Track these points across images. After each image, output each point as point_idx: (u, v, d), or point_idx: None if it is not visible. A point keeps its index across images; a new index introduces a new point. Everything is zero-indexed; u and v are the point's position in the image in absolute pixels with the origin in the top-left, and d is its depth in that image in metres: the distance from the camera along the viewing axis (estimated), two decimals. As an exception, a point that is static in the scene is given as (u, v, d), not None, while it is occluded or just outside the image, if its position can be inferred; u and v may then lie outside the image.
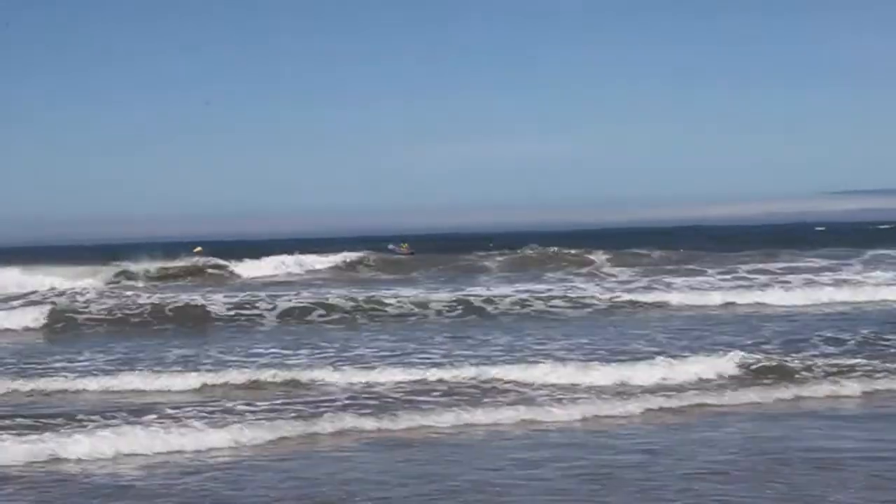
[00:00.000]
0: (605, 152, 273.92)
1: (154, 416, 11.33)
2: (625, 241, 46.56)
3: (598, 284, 27.57)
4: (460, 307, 22.75)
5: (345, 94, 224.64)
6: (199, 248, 76.27)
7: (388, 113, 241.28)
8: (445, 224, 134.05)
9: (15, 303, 24.41)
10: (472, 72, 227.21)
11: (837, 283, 25.82)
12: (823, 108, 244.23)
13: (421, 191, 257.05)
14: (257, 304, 22.95)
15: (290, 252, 41.70)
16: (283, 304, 22.80)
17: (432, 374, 13.97)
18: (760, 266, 31.72)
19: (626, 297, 24.03)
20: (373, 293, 24.40)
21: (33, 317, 22.14)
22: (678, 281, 27.70)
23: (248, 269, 36.93)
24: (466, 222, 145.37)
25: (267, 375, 14.19)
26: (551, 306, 22.86)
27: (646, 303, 23.46)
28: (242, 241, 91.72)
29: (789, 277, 27.76)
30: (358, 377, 13.97)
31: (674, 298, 23.87)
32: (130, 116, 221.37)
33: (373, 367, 14.63)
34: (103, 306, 23.05)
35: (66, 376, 14.65)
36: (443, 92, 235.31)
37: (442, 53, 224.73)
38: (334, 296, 23.79)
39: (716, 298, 23.70)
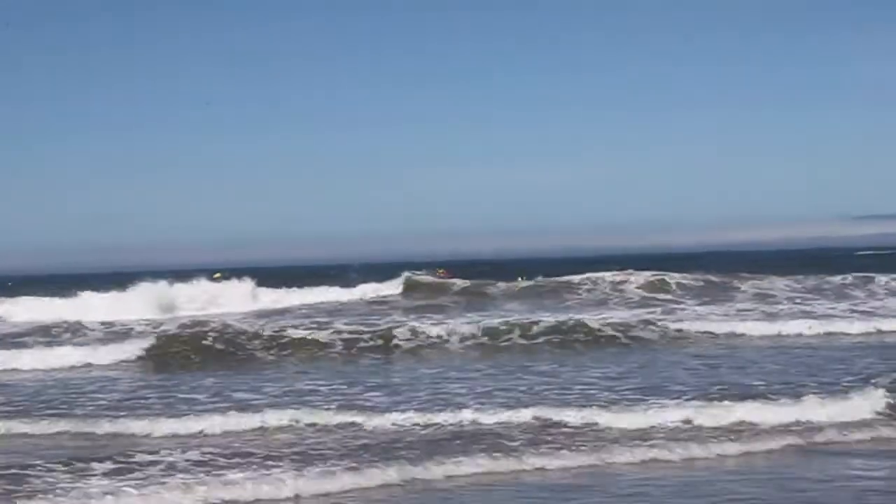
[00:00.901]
0: (617, 177, 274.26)
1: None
2: (645, 265, 46.21)
3: (680, 312, 26.87)
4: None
5: (344, 119, 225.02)
6: (218, 274, 75.78)
7: (389, 137, 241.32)
8: (448, 250, 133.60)
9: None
10: (473, 95, 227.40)
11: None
12: (841, 132, 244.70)
13: (421, 217, 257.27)
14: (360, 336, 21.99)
15: (313, 280, 41.25)
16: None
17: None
18: (802, 290, 31.76)
19: (697, 326, 23.58)
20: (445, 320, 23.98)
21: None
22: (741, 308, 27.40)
23: (303, 296, 36.26)
24: (471, 248, 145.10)
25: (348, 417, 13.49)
26: (621, 334, 22.30)
27: (720, 333, 22.91)
28: (257, 267, 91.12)
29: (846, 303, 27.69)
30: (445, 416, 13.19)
31: (746, 328, 23.32)
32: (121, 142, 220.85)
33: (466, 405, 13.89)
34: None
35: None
36: (442, 116, 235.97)
37: (441, 75, 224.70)
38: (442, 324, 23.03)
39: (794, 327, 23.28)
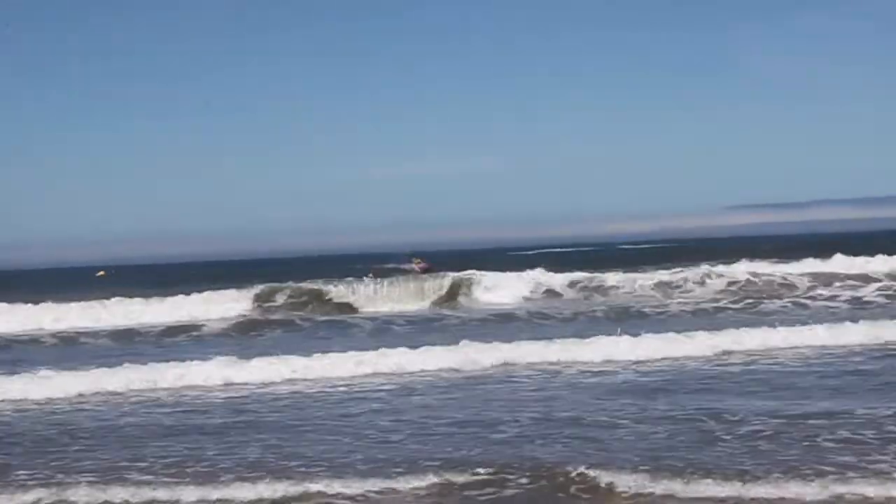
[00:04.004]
0: (511, 170, 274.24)
1: None
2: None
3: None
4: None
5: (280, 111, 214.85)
6: (101, 273, 71.22)
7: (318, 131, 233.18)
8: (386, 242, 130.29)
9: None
10: (400, 90, 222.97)
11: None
12: (723, 125, 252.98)
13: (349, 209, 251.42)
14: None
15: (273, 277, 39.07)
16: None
17: None
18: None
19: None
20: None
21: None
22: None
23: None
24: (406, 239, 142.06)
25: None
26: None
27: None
28: (151, 264, 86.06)
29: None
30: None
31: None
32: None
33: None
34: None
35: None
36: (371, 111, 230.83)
37: (369, 71, 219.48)
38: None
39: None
